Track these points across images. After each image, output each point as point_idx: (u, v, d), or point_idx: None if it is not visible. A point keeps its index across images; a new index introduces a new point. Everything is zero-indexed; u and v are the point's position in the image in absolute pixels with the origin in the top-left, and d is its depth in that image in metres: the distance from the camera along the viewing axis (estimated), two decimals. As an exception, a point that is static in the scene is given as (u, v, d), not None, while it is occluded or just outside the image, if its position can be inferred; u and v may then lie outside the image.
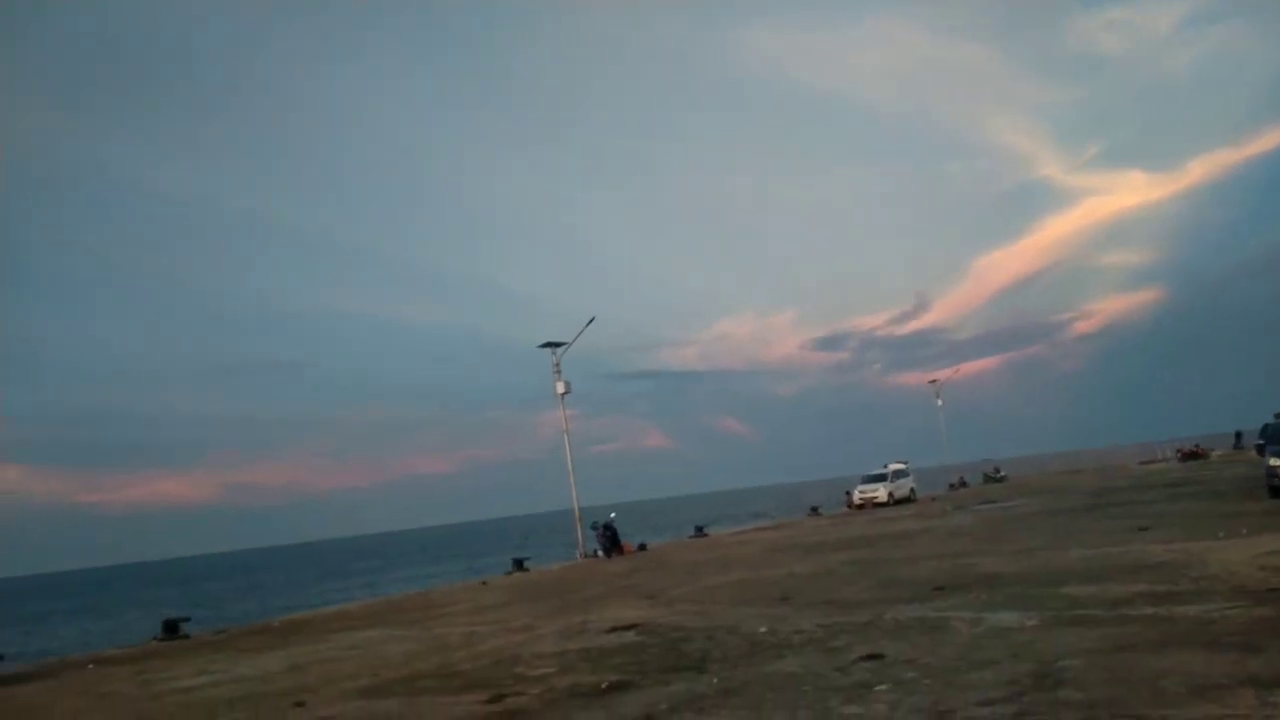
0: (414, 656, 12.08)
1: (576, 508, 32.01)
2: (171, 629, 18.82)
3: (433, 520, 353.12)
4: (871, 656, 8.27)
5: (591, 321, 32.18)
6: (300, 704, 9.50)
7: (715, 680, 8.10)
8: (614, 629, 12.24)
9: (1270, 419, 26.10)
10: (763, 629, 10.68)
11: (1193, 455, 53.18)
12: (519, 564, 27.09)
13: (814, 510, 43.49)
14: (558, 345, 32.22)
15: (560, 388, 32.31)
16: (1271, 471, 19.21)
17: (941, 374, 70.37)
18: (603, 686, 8.49)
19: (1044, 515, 24.04)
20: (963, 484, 57.67)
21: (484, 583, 24.12)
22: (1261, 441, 28.70)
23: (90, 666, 15.73)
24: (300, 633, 17.13)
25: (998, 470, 63.80)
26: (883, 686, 7.08)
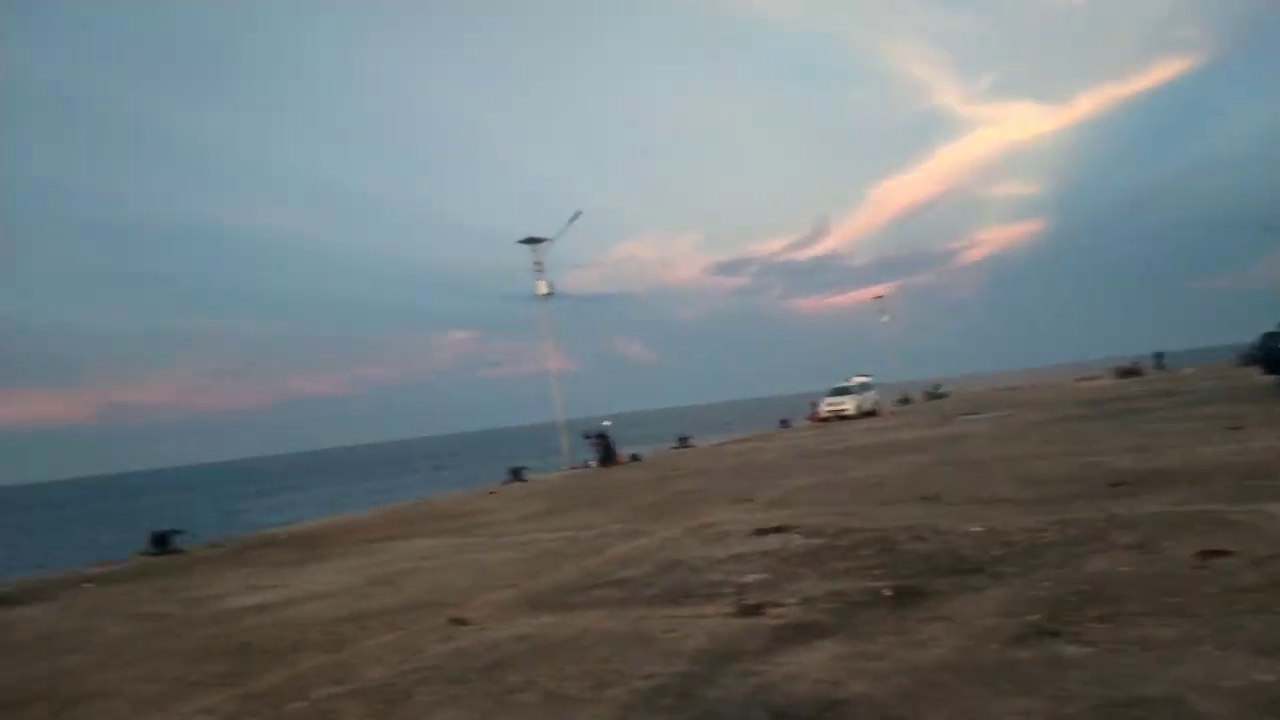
0: (533, 565, 10.18)
1: (562, 417, 30.18)
2: (160, 543, 16.36)
3: (328, 443, 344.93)
4: (1214, 553, 6.80)
5: (578, 216, 29.98)
6: (461, 621, 7.58)
7: (1047, 584, 6.51)
8: (761, 531, 10.54)
9: (1260, 335, 25.57)
10: (977, 528, 9.16)
11: (1131, 372, 54.51)
12: (516, 474, 25.16)
13: (784, 423, 42.68)
14: (539, 241, 29.90)
15: (543, 288, 30.15)
16: None
17: (882, 289, 70.53)
18: (886, 593, 6.84)
19: (1063, 421, 23.30)
20: (907, 400, 57.93)
21: (491, 492, 22.16)
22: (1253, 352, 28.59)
23: (87, 585, 13.29)
24: (323, 545, 14.96)
25: (938, 387, 64.61)
26: (1328, 585, 5.61)
